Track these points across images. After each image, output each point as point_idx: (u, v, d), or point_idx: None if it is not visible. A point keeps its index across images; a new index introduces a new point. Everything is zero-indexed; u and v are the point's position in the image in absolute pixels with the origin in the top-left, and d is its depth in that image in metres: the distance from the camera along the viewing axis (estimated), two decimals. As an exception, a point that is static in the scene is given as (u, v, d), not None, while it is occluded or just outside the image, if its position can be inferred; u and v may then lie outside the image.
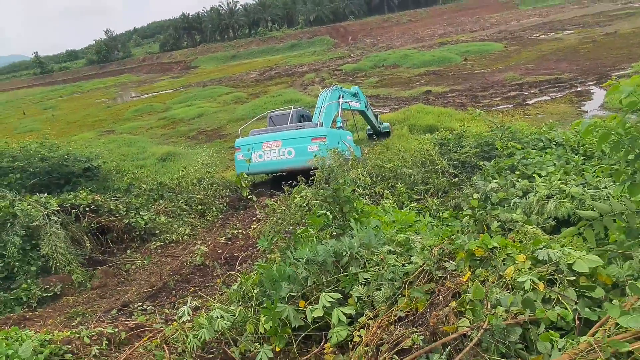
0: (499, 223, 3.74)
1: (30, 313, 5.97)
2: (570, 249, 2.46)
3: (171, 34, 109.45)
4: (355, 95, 13.94)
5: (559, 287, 2.24)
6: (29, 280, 6.42)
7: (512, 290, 2.34)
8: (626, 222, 2.71)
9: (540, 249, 2.44)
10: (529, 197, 4.40)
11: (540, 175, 5.10)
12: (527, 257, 2.43)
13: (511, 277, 2.36)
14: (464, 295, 2.42)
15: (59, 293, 6.43)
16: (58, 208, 7.35)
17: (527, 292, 2.21)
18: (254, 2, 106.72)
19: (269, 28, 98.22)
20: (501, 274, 2.48)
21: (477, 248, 2.81)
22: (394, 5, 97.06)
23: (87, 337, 4.33)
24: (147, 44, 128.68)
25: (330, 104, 11.41)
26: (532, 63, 27.96)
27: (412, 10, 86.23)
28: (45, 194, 7.73)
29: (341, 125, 11.51)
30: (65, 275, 6.67)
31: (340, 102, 12.02)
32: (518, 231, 3.73)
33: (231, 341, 3.59)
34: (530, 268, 2.36)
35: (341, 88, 12.95)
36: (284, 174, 10.52)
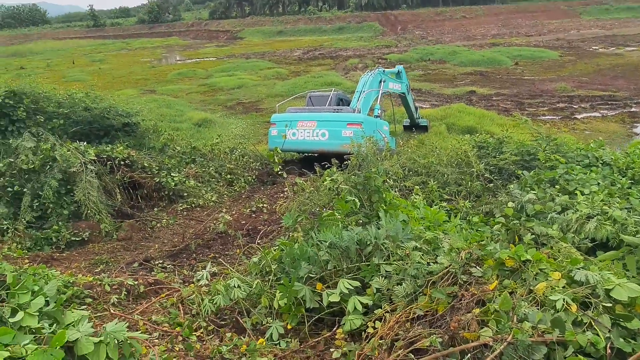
0: (533, 236, 3.60)
1: (58, 254, 6.22)
2: (610, 273, 2.33)
3: (222, 3, 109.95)
4: (398, 74, 13.41)
5: (592, 312, 2.13)
6: (60, 223, 6.67)
7: (542, 307, 2.24)
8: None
9: (578, 269, 2.32)
10: (567, 214, 4.22)
11: (582, 193, 4.87)
12: (563, 276, 2.32)
13: (542, 294, 2.25)
14: (489, 304, 2.33)
15: (86, 239, 6.67)
16: (95, 158, 7.57)
17: (558, 311, 2.11)
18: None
19: (319, 8, 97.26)
20: (531, 288, 2.37)
21: (508, 258, 2.71)
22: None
23: (108, 285, 4.47)
24: (197, 10, 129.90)
25: (370, 91, 11.18)
26: (586, 76, 26.73)
27: (468, 7, 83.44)
28: (85, 143, 7.96)
29: (379, 114, 11.31)
30: (94, 223, 6.90)
31: (381, 88, 11.66)
32: (552, 247, 3.59)
33: (244, 311, 3.63)
34: (564, 287, 2.25)
35: (384, 71, 12.42)
36: (315, 155, 10.48)
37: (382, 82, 11.74)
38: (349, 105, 11.43)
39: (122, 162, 7.87)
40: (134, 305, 4.30)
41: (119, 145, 8.38)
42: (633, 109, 19.13)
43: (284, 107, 12.29)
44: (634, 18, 66.27)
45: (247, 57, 45.93)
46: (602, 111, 19.22)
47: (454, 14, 76.63)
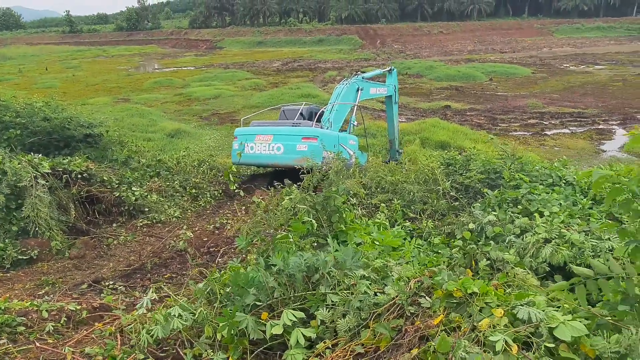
0: (488, 261, 3.50)
1: (2, 274, 5.84)
2: (555, 310, 2.22)
3: (202, 12, 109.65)
4: (390, 72, 12.90)
5: (534, 354, 2.01)
6: (7, 240, 6.29)
7: (483, 346, 2.11)
8: (623, 289, 2.46)
9: (522, 305, 2.20)
10: (525, 237, 4.15)
11: (542, 215, 4.82)
12: (506, 313, 2.19)
13: (483, 332, 2.12)
14: (429, 342, 2.19)
15: (35, 257, 6.29)
16: (50, 171, 7.21)
17: (498, 353, 1.98)
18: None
19: (300, 20, 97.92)
20: (475, 324, 2.24)
21: (456, 289, 2.58)
22: (427, 15, 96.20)
23: (46, 311, 4.17)
24: (177, 19, 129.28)
25: (343, 104, 10.98)
26: (557, 93, 27.44)
27: (445, 23, 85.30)
28: (40, 155, 7.60)
29: (354, 124, 11.15)
30: (44, 241, 6.54)
31: (359, 98, 11.38)
32: (507, 273, 3.49)
33: (186, 342, 3.40)
34: (506, 325, 2.13)
35: (362, 78, 11.84)
36: (284, 169, 10.30)
37: (360, 91, 11.36)
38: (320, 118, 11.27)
39: (79, 175, 7.52)
40: (73, 333, 4.01)
41: (77, 157, 8.03)
42: (601, 127, 19.66)
43: (255, 119, 12.12)
44: (603, 37, 68.95)
45: (226, 67, 45.72)
46: (571, 128, 19.68)
47: (432, 30, 78.22)
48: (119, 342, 3.53)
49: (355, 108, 11.27)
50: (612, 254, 3.77)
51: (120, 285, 5.55)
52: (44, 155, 8.08)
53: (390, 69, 13.23)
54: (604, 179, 2.36)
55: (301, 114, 10.78)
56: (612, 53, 49.22)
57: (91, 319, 4.31)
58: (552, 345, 2.02)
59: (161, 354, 3.44)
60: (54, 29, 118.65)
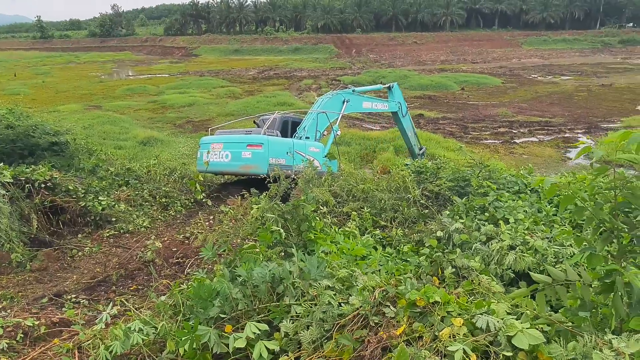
0: (454, 269, 3.53)
1: (-44, 289, 5.56)
2: (514, 317, 2.24)
3: (177, 19, 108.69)
4: (390, 89, 12.85)
5: (492, 362, 2.02)
6: (-37, 253, 6.01)
7: (444, 357, 2.11)
8: (579, 295, 2.51)
9: (481, 314, 2.22)
10: (491, 244, 4.21)
11: (507, 222, 4.92)
12: (465, 322, 2.21)
13: (443, 342, 2.12)
14: (389, 353, 2.18)
15: (-7, 271, 6.03)
16: (11, 180, 6.95)
17: (456, 363, 1.98)
18: (265, 1, 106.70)
19: (276, 28, 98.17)
20: (437, 334, 2.24)
21: (419, 298, 2.58)
22: (402, 25, 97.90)
23: (1, 327, 3.98)
24: (152, 25, 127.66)
25: (318, 112, 11.05)
26: (526, 102, 28.27)
27: (419, 33, 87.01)
28: (2, 164, 7.31)
29: (337, 133, 11.22)
30: (4, 253, 6.26)
31: (343, 108, 11.40)
32: (472, 280, 3.52)
33: (147, 357, 3.29)
34: (466, 334, 2.13)
35: (353, 91, 11.89)
36: (261, 177, 10.27)
37: (346, 103, 11.44)
38: (296, 126, 11.27)
39: (42, 185, 7.26)
40: (29, 350, 3.83)
41: (41, 166, 7.76)
42: (567, 135, 20.31)
43: (242, 126, 12.04)
44: (569, 49, 71.61)
45: (201, 75, 45.33)
46: (539, 136, 20.26)
47: (406, 40, 79.63)
48: (77, 359, 3.39)
49: (339, 118, 11.38)
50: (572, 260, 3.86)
51: (83, 299, 5.35)
52: (7, 164, 7.79)
53: (390, 86, 13.12)
54: (556, 186, 2.41)
55: (274, 121, 10.78)
56: (577, 64, 51.14)
57: (50, 335, 4.13)
58: (511, 354, 2.03)
59: (121, 371, 3.32)
60: (24, 34, 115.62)
